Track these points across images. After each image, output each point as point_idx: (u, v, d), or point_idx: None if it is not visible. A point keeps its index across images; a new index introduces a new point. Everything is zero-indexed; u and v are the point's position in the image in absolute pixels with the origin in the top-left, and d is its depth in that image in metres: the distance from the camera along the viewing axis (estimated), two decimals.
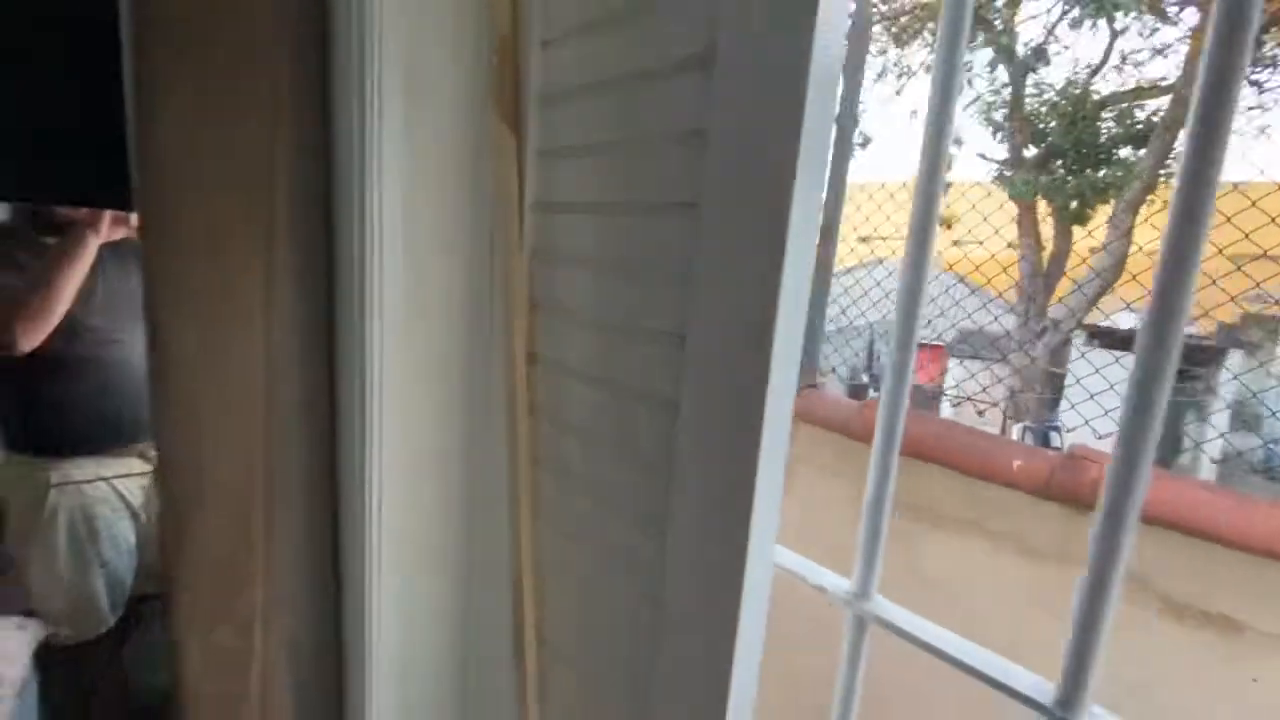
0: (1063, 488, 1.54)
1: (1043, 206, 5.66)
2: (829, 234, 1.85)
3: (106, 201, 0.90)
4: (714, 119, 0.43)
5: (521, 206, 0.63)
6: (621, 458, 0.55)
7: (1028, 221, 5.72)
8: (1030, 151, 5.51)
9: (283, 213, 0.66)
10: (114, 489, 1.72)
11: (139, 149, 0.68)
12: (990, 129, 5.69)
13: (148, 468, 1.71)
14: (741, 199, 0.42)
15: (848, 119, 1.68)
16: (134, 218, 1.49)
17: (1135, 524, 0.39)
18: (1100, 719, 0.41)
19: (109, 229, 1.42)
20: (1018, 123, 5.43)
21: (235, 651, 0.72)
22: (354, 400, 0.68)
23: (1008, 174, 5.62)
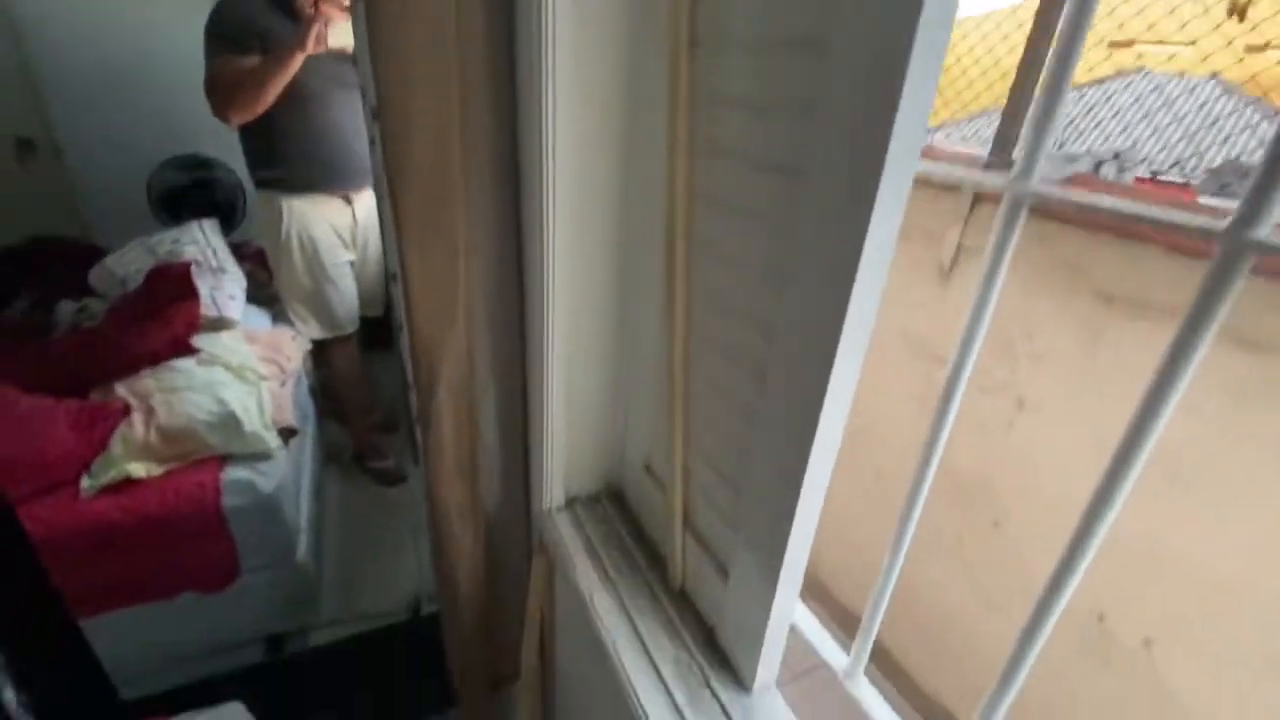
0: None
1: None
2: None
3: None
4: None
5: None
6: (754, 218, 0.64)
7: None
8: None
9: None
10: (329, 221, 2.14)
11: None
12: None
13: (349, 207, 2.19)
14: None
15: None
16: (334, 39, 1.84)
17: None
18: None
19: (313, 46, 1.81)
20: None
21: (448, 268, 0.91)
22: (533, 86, 0.77)
23: None
